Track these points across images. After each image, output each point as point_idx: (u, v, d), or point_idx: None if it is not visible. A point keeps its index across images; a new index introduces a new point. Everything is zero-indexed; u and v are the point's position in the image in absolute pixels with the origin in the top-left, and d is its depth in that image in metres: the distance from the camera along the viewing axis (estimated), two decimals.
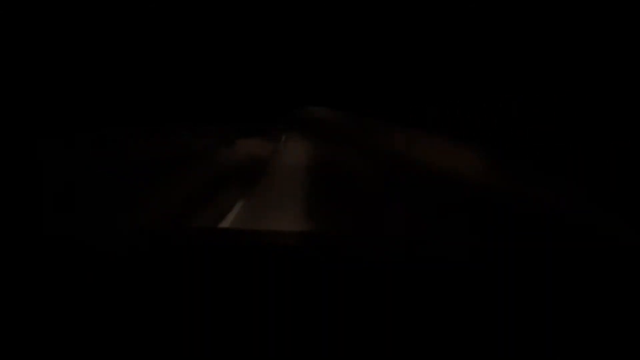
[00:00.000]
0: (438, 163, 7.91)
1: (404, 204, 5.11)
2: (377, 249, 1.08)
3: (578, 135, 6.54)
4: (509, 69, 8.81)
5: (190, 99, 17.69)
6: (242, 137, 13.33)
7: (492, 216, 4.61)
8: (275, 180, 6.73)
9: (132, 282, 0.77)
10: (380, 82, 17.66)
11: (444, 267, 0.90)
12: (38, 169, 6.12)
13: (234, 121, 19.39)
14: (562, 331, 0.66)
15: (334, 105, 28.12)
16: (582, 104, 6.91)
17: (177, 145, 10.57)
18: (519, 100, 8.31)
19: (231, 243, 1.08)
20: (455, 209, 4.97)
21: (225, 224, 4.18)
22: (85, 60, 11.03)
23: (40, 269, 0.81)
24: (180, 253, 0.95)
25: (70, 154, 7.63)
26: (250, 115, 24.21)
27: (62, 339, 0.59)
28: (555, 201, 5.05)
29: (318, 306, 0.71)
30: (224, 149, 10.55)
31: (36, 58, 9.35)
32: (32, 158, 6.47)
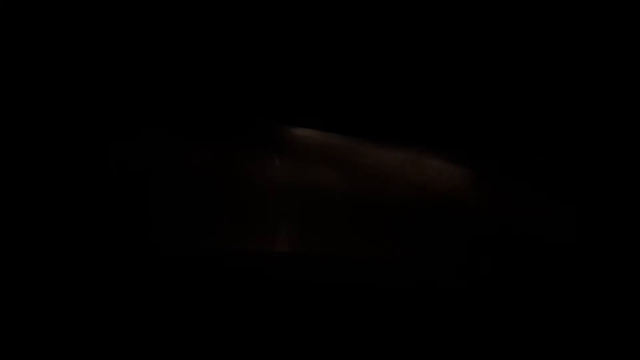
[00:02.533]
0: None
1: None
2: (365, 271, 1.10)
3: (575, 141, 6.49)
4: (509, 69, 8.81)
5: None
6: None
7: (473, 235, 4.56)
8: None
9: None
10: (378, 83, 17.78)
11: (432, 289, 0.92)
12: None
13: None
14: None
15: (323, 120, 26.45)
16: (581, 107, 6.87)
17: None
18: (518, 101, 8.30)
19: (222, 264, 1.08)
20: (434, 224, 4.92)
21: None
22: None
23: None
24: (180, 273, 0.96)
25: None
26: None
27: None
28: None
29: (305, 327, 0.70)
30: None
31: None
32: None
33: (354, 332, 0.73)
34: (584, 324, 0.81)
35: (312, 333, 0.71)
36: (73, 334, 0.68)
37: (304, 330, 0.72)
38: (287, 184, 6.87)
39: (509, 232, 4.98)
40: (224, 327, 0.71)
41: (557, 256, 3.98)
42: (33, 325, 0.70)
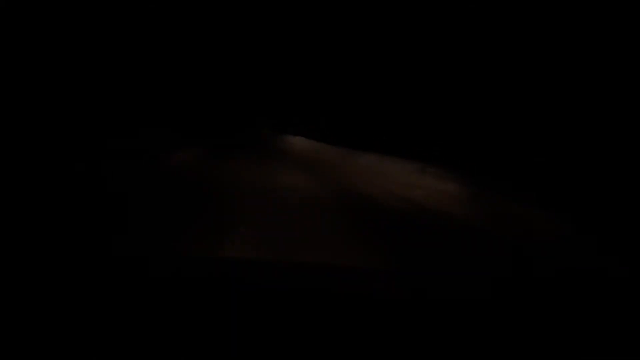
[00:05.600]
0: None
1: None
2: (358, 280, 1.09)
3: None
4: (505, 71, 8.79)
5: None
6: None
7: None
8: None
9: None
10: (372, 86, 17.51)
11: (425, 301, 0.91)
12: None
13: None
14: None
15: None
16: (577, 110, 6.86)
17: None
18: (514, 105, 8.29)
19: (196, 273, 1.07)
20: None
21: None
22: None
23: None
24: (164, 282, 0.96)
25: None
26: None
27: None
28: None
29: (292, 338, 0.68)
30: None
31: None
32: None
33: (343, 342, 0.71)
34: (579, 335, 0.80)
35: (298, 344, 0.70)
36: (43, 339, 0.67)
37: (290, 341, 0.71)
38: (279, 191, 6.88)
39: (502, 246, 4.97)
40: (201, 338, 0.70)
41: (550, 269, 3.95)
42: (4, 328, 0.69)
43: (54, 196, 5.06)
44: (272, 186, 7.53)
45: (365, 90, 18.97)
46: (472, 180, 7.27)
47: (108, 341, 0.68)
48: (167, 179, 6.88)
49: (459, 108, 10.07)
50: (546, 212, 5.42)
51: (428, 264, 3.76)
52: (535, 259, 4.21)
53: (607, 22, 6.51)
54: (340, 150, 16.39)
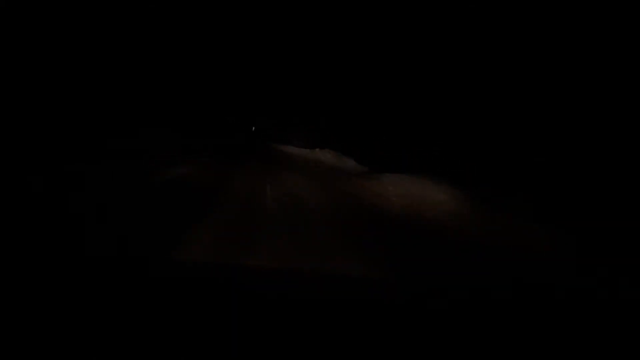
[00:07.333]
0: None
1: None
2: (354, 288, 1.08)
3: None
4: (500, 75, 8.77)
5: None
6: None
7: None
8: None
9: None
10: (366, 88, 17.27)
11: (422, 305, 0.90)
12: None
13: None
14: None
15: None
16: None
17: None
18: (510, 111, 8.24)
19: (199, 276, 1.06)
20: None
21: None
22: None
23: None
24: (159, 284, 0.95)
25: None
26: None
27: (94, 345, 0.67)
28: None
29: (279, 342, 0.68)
30: None
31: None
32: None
33: (341, 347, 0.71)
34: (571, 344, 0.80)
35: (295, 349, 0.69)
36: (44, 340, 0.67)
37: (286, 346, 0.70)
38: (281, 199, 6.82)
39: (498, 256, 4.94)
40: (201, 341, 0.69)
41: (545, 280, 3.92)
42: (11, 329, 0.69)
43: (54, 196, 5.05)
44: (274, 194, 7.46)
45: (365, 93, 18.84)
46: (470, 191, 7.23)
47: (107, 342, 0.67)
48: (171, 182, 6.82)
49: (458, 115, 10.03)
50: (542, 224, 5.40)
51: (425, 272, 3.74)
52: (529, 270, 4.21)
53: (607, 23, 6.49)
54: (342, 157, 16.21)
